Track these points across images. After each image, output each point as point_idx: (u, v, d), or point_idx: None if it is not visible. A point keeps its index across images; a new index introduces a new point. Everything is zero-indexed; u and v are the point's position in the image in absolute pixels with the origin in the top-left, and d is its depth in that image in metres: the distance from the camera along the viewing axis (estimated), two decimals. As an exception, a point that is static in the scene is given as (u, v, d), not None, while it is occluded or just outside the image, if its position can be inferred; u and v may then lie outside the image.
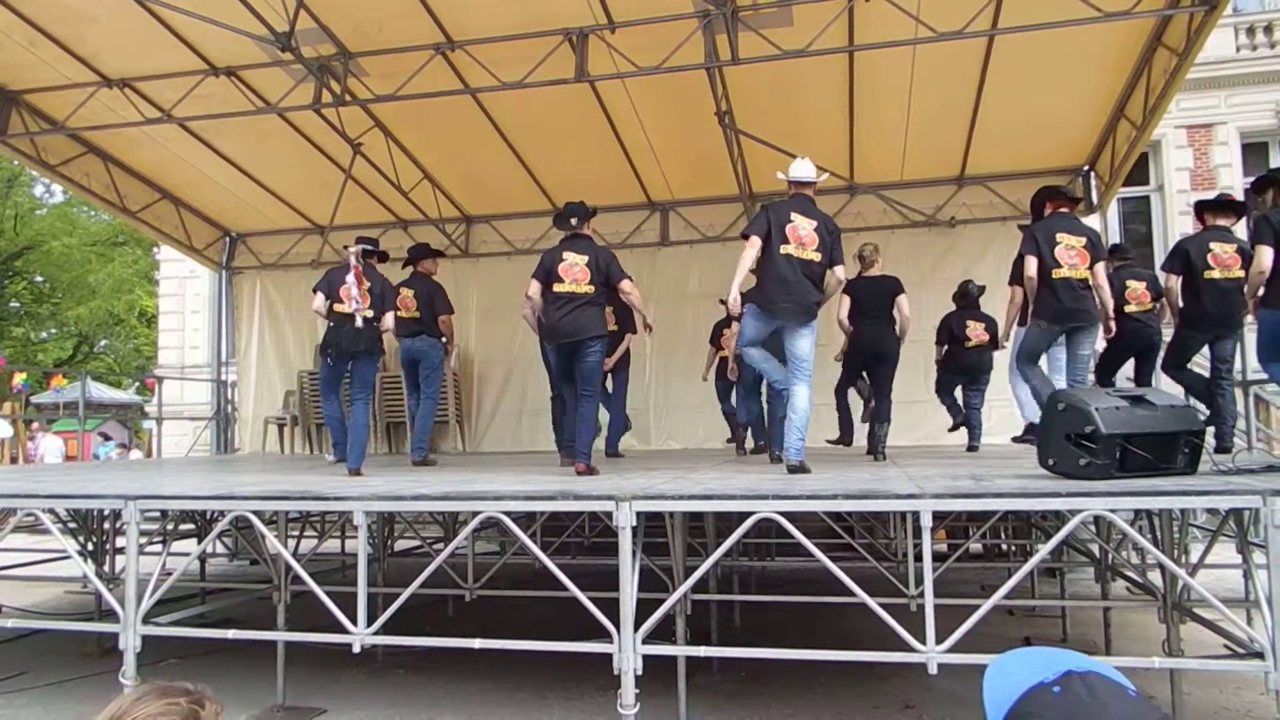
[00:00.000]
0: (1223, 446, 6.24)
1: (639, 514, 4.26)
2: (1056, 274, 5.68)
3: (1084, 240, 5.76)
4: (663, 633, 4.55)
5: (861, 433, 7.63)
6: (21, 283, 30.69)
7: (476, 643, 4.55)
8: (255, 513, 4.92)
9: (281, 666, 5.57)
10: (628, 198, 10.58)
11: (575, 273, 6.02)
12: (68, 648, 7.04)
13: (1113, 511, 3.97)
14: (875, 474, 5.53)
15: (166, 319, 19.94)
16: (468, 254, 11.49)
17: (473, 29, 7.49)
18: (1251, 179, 6.95)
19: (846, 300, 7.48)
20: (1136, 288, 7.16)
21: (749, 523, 4.24)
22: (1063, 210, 6.11)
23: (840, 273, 5.80)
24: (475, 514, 4.73)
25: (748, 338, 5.91)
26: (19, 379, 20.20)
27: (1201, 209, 6.78)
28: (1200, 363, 6.76)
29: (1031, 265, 5.74)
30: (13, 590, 8.68)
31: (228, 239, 12.19)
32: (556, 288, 6.04)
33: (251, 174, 10.51)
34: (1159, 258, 14.63)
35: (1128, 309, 6.83)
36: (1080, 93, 8.38)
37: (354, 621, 4.57)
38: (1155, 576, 5.38)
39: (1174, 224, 14.72)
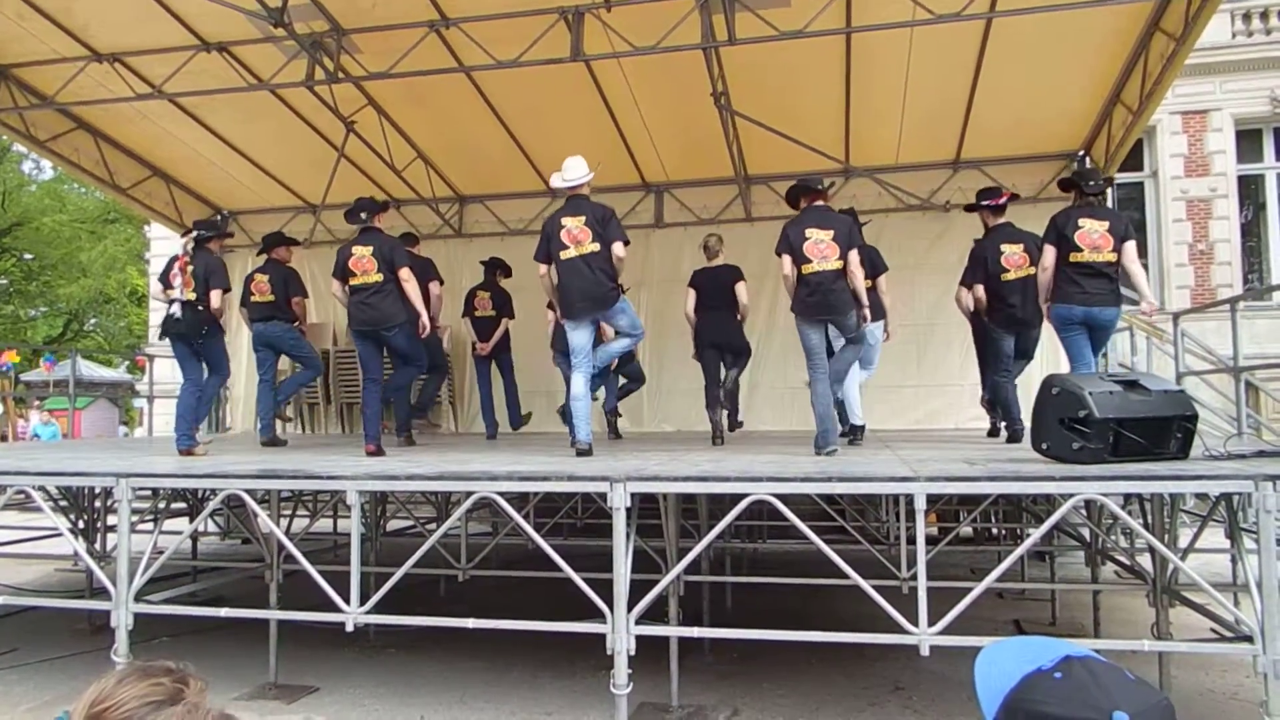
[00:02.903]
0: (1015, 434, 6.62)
1: (633, 495, 4.26)
2: (806, 269, 5.83)
3: (832, 232, 5.88)
4: (655, 614, 4.56)
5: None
6: (10, 260, 30.50)
7: (470, 622, 4.56)
8: (247, 491, 4.92)
9: (274, 645, 5.58)
10: (622, 179, 10.53)
11: (364, 264, 6.50)
12: (59, 625, 7.03)
13: (1105, 495, 3.99)
14: (868, 457, 5.54)
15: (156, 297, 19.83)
16: (461, 234, 11.43)
17: (467, 6, 7.41)
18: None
19: (691, 293, 7.67)
20: None
21: (743, 504, 4.24)
22: (816, 204, 6.20)
23: (619, 249, 6.00)
24: (469, 494, 4.73)
25: (574, 347, 6.13)
26: (8, 358, 20.09)
27: (978, 209, 7.14)
28: None
29: (786, 264, 5.90)
30: (3, 567, 8.66)
31: (219, 216, 12.10)
32: (351, 281, 6.51)
33: (243, 151, 10.42)
34: (1152, 243, 14.69)
35: None
36: (1077, 77, 8.34)
37: (346, 600, 4.58)
38: (1145, 560, 5.42)
39: (1168, 210, 14.73)
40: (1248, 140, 15.03)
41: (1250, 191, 15.26)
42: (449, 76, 8.12)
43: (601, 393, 8.49)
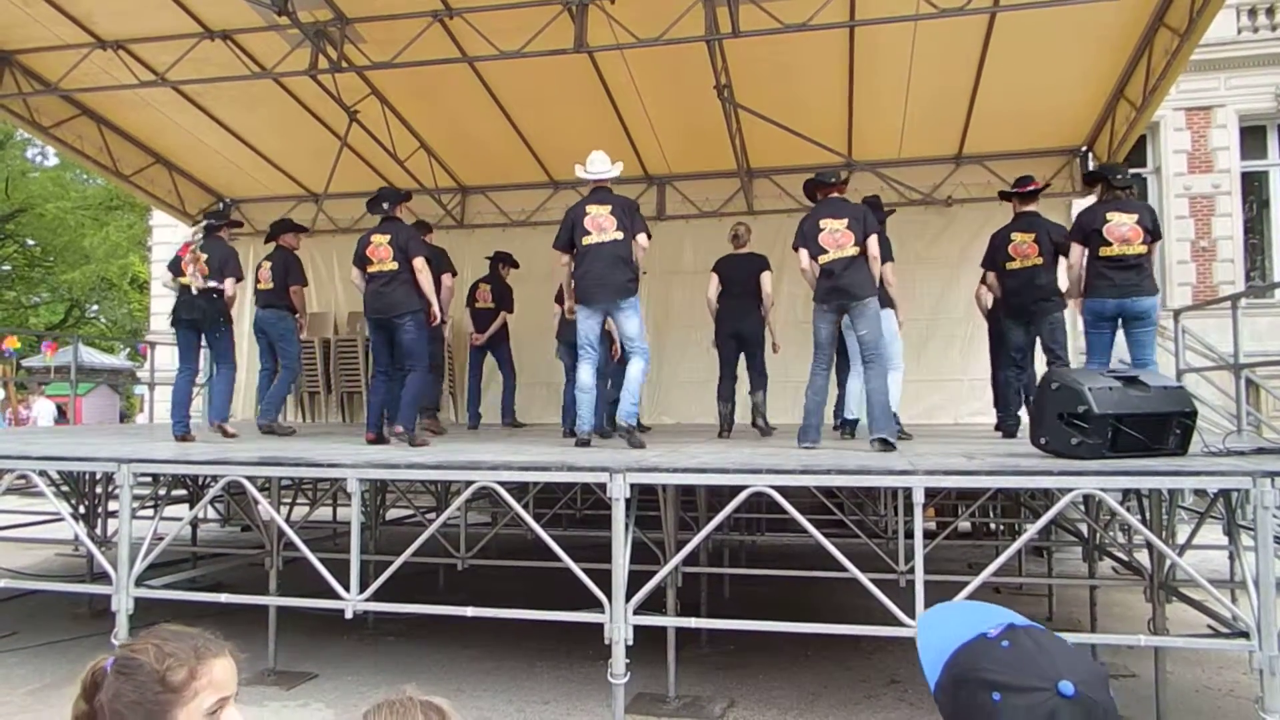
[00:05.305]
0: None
1: (632, 486, 4.27)
2: (823, 259, 5.90)
3: (846, 220, 5.94)
4: (653, 604, 4.59)
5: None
6: (13, 246, 30.49)
7: (469, 610, 4.58)
8: (248, 478, 4.93)
9: (273, 631, 5.60)
10: (624, 171, 10.48)
11: (380, 252, 6.51)
12: (59, 609, 7.06)
13: (1103, 491, 4.00)
14: (867, 451, 5.55)
15: (159, 284, 19.85)
16: (463, 225, 11.42)
17: (471, -4, 7.41)
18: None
19: (714, 278, 7.60)
20: None
21: (742, 496, 4.26)
22: (832, 195, 6.24)
23: (644, 240, 6.16)
24: (469, 484, 4.74)
25: (583, 337, 6.18)
26: (9, 345, 20.12)
27: (1009, 196, 7.10)
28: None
29: (803, 258, 5.97)
30: (4, 551, 8.69)
31: (221, 205, 12.11)
32: (369, 269, 6.53)
33: (246, 139, 10.41)
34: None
35: None
36: (1080, 73, 8.32)
37: (346, 588, 4.59)
38: (1142, 556, 5.43)
39: (1171, 206, 14.71)
40: (1252, 137, 15.00)
41: (1254, 188, 15.24)
42: (452, 67, 8.11)
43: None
